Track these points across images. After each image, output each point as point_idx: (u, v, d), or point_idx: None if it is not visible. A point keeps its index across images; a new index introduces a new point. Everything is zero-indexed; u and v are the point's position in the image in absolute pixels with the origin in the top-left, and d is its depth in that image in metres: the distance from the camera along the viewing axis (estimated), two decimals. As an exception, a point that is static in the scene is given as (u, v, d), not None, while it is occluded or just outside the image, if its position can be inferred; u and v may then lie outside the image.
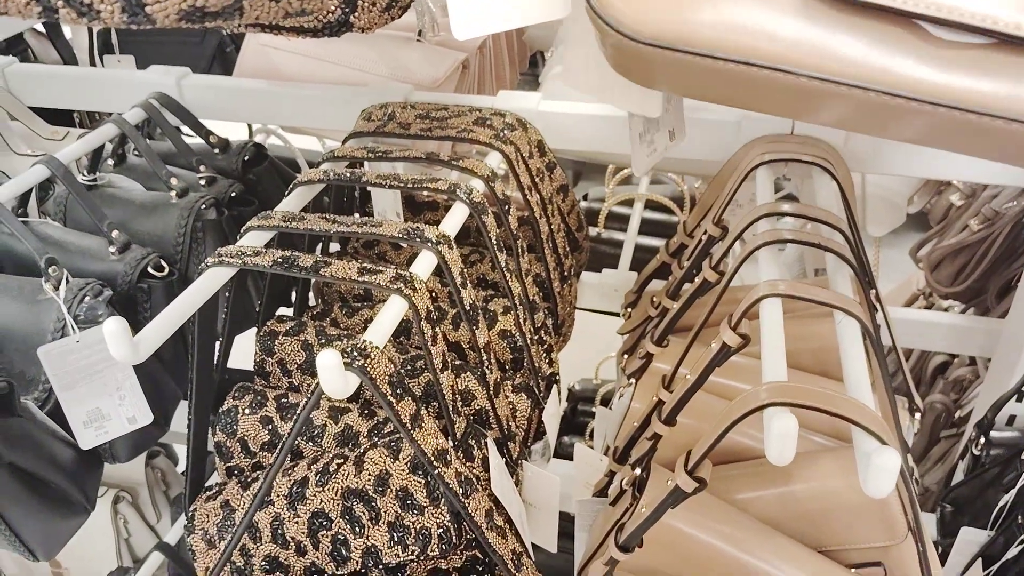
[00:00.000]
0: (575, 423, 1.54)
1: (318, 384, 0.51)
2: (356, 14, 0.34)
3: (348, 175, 0.73)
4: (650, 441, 0.67)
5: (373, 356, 0.53)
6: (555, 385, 0.84)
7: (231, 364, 0.84)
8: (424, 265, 0.63)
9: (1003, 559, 0.84)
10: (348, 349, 0.52)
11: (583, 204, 1.41)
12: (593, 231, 1.36)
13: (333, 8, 0.31)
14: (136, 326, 0.82)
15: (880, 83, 0.41)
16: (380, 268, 0.61)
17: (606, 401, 1.52)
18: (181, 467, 1.29)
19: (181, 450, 1.28)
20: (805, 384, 0.50)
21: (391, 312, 0.58)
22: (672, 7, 0.39)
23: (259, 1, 0.29)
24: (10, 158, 1.00)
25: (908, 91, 0.41)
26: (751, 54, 0.42)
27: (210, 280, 0.61)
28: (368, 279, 0.60)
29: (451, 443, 0.63)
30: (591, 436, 1.47)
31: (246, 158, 0.97)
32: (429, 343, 0.61)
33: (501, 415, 0.71)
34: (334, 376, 0.50)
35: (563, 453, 1.42)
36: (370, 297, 0.89)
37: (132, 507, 1.16)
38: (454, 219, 0.70)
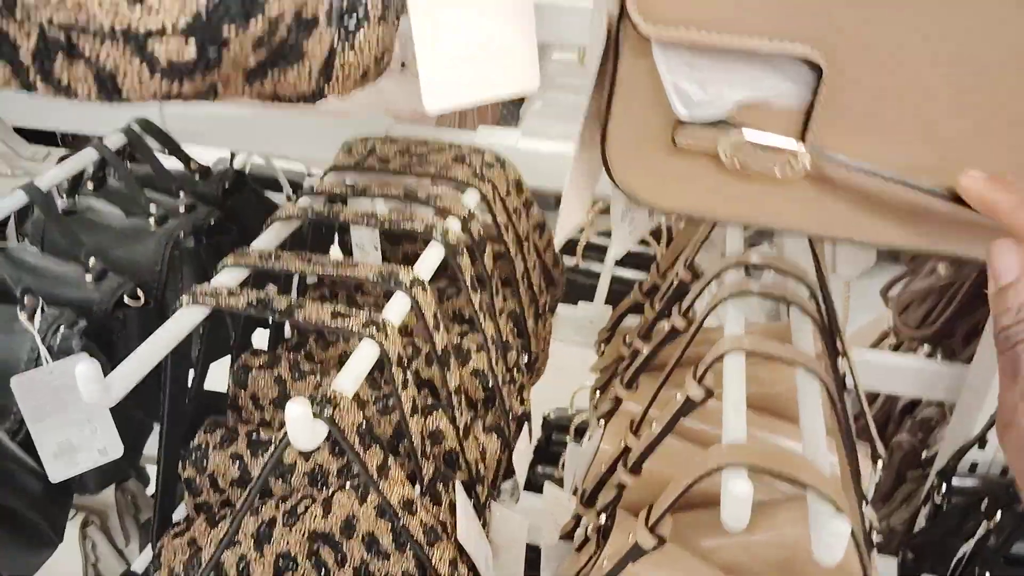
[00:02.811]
0: (549, 452, 1.55)
1: (285, 435, 0.51)
2: (331, 85, 0.35)
3: (326, 212, 0.74)
4: (615, 489, 0.68)
5: (342, 406, 0.54)
6: (526, 423, 0.85)
7: (209, 386, 0.84)
8: (397, 309, 0.64)
9: (961, 607, 0.86)
10: (317, 398, 0.53)
11: (562, 234, 1.42)
12: (571, 261, 1.37)
13: (306, 89, 0.32)
14: (111, 354, 0.83)
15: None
16: (352, 313, 0.62)
17: (581, 431, 1.53)
18: (152, 489, 1.28)
19: (153, 470, 1.28)
20: (762, 446, 0.51)
21: (362, 358, 0.58)
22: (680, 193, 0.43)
23: (232, 88, 0.30)
24: (-8, 180, 1.01)
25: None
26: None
27: (183, 320, 0.61)
28: (340, 324, 0.61)
29: (419, 488, 0.64)
30: (564, 467, 1.48)
31: (226, 185, 0.97)
32: (400, 388, 0.61)
33: (470, 458, 0.72)
34: (302, 427, 0.51)
35: (536, 484, 1.42)
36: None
37: (101, 531, 1.16)
38: (429, 260, 0.71)
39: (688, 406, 0.62)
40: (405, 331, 0.67)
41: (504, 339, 0.83)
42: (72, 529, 1.15)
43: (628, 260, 1.36)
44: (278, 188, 1.19)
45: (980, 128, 0.37)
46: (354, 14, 0.34)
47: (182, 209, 0.90)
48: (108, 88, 0.29)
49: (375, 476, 0.55)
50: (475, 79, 0.37)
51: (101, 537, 1.18)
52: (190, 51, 0.28)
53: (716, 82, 0.38)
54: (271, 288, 0.68)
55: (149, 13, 0.28)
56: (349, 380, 0.56)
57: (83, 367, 0.52)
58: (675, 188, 0.43)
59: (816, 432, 0.56)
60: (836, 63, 0.36)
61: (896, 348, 1.46)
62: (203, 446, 0.74)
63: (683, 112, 0.39)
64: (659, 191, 0.43)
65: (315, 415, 0.52)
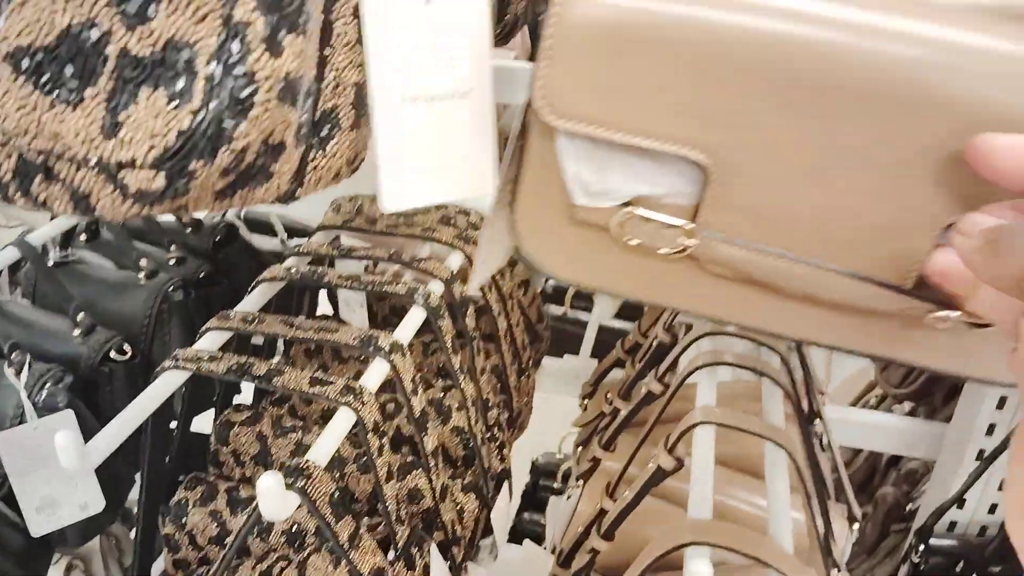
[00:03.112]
0: (536, 498, 1.55)
1: (256, 507, 0.52)
2: (303, 188, 0.36)
3: (312, 274, 0.76)
4: (589, 554, 0.69)
5: (315, 477, 0.55)
6: (506, 481, 0.86)
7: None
8: (375, 376, 0.65)
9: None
10: (291, 469, 0.54)
11: (551, 282, 1.44)
12: (559, 310, 1.39)
13: (276, 199, 0.34)
14: (97, 408, 0.84)
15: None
16: (330, 380, 0.63)
17: (568, 477, 1.53)
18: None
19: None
20: (725, 524, 0.52)
21: (337, 428, 0.60)
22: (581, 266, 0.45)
23: (201, 206, 0.32)
24: (-16, 229, 1.02)
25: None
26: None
27: (164, 385, 0.63)
28: (318, 390, 0.62)
29: (393, 552, 0.64)
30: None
31: (217, 238, 0.99)
32: (375, 455, 0.62)
33: (447, 519, 0.73)
34: (273, 498, 0.52)
35: (523, 531, 1.42)
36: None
37: (85, 575, 1.16)
38: (410, 324, 0.73)
39: (659, 475, 0.63)
40: (388, 385, 0.68)
41: (485, 398, 0.84)
42: (56, 573, 1.15)
43: (617, 310, 1.37)
44: (272, 233, 1.20)
45: (857, 223, 0.39)
46: (326, 125, 0.36)
47: (172, 262, 0.92)
48: (83, 208, 0.31)
49: (346, 546, 0.56)
50: (433, 184, 0.38)
51: (84, 582, 1.18)
52: (159, 182, 0.29)
53: (613, 175, 0.41)
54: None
55: (121, 146, 0.29)
56: (323, 450, 0.57)
57: (62, 437, 0.53)
58: (577, 262, 0.44)
59: (781, 505, 0.58)
60: (722, 166, 0.39)
61: (882, 400, 1.46)
62: (183, 503, 0.75)
63: (581, 199, 0.42)
64: (561, 262, 0.45)
65: (287, 486, 0.53)
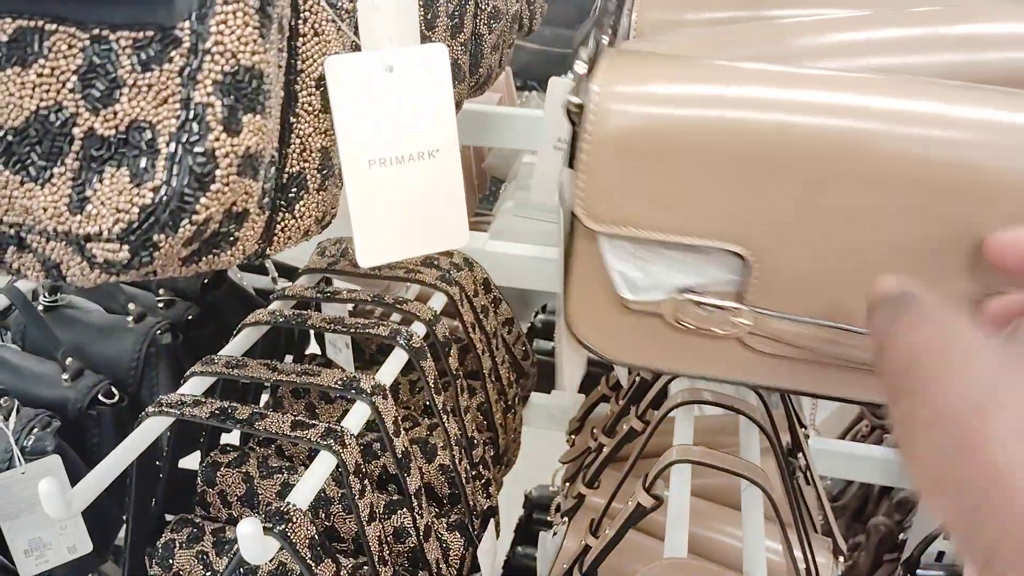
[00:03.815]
0: (530, 532, 1.55)
1: (237, 551, 0.53)
2: (272, 247, 0.38)
3: (296, 318, 0.77)
4: (571, 592, 0.69)
5: (296, 520, 0.56)
6: (493, 518, 0.87)
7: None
8: (356, 419, 0.66)
9: None
10: (271, 513, 0.55)
11: (540, 316, 1.45)
12: (548, 345, 1.40)
13: (240, 260, 0.35)
14: (85, 451, 0.85)
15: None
16: (312, 423, 0.64)
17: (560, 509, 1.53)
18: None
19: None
20: (698, 563, 0.53)
21: (319, 471, 0.60)
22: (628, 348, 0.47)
23: (168, 272, 0.33)
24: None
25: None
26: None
27: (147, 430, 0.64)
28: (300, 434, 0.63)
29: (375, 593, 0.65)
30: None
31: (206, 281, 1.00)
32: (356, 497, 0.63)
33: (431, 558, 0.74)
34: (254, 545, 0.52)
35: (518, 565, 1.42)
36: (316, 416, 0.92)
37: (75, 616, 1.16)
38: (392, 366, 0.74)
39: (638, 514, 0.64)
40: (375, 423, 0.69)
41: (470, 436, 0.85)
42: (47, 615, 1.15)
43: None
44: (264, 272, 1.22)
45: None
46: (293, 187, 0.37)
47: (160, 305, 0.93)
48: (53, 276, 0.32)
49: (327, 590, 0.57)
50: (406, 239, 0.40)
51: (76, 622, 1.18)
52: (123, 254, 0.31)
53: (657, 269, 0.43)
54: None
55: (87, 221, 0.31)
56: (303, 495, 0.58)
57: (46, 485, 0.54)
58: (629, 345, 0.47)
59: (755, 543, 0.58)
60: (760, 255, 0.41)
61: (873, 430, 1.47)
62: (170, 544, 0.75)
63: (628, 295, 0.44)
64: (615, 347, 0.48)
65: (267, 531, 0.54)
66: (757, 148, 0.38)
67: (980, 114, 0.37)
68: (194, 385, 0.69)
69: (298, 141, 0.37)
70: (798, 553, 0.67)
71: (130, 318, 0.89)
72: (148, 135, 0.30)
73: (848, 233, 0.39)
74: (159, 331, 0.89)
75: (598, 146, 0.40)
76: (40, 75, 0.31)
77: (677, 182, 0.40)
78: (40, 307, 0.91)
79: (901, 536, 1.39)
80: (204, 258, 0.34)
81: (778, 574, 0.63)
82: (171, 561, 0.75)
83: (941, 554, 1.02)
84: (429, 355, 0.77)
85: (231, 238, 0.34)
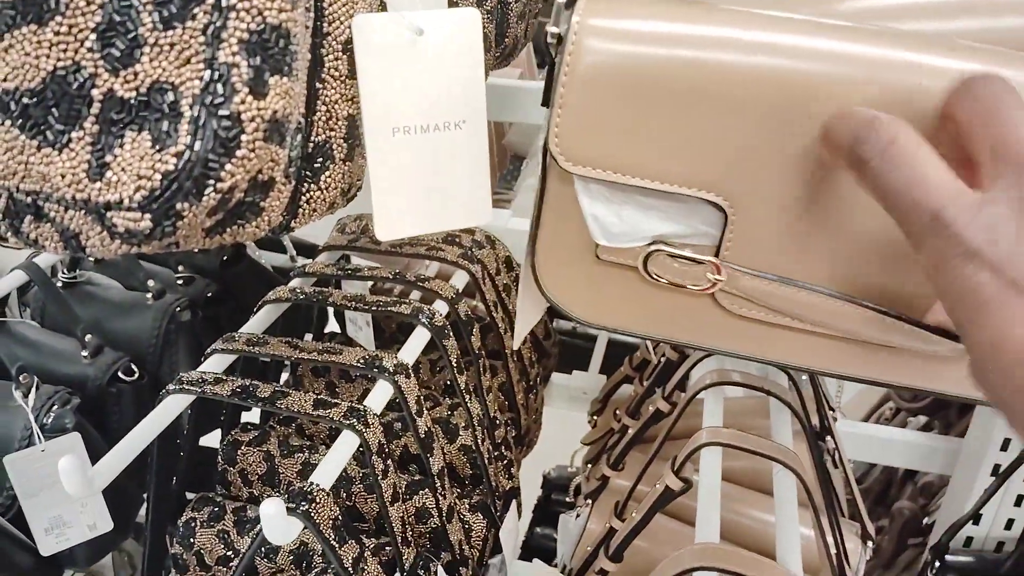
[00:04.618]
0: (549, 512, 1.54)
1: (260, 531, 0.52)
2: (297, 220, 0.36)
3: (316, 295, 0.76)
4: (598, 575, 0.68)
5: (319, 500, 0.55)
6: (515, 499, 0.86)
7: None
8: (379, 398, 0.65)
9: None
10: (294, 493, 0.54)
11: (561, 296, 1.43)
12: (568, 325, 1.38)
13: (268, 232, 0.34)
14: (105, 429, 0.85)
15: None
16: (335, 401, 0.63)
17: (580, 490, 1.52)
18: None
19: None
20: (731, 548, 0.51)
21: (341, 451, 0.59)
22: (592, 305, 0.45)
23: (191, 243, 0.32)
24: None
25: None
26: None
27: (168, 408, 0.63)
28: (322, 412, 0.62)
29: (400, 574, 0.64)
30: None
31: (225, 258, 0.99)
32: (380, 477, 0.62)
33: (454, 539, 0.73)
34: (277, 524, 0.51)
35: (535, 546, 1.41)
36: (337, 394, 0.91)
37: (96, 591, 1.16)
38: (414, 344, 0.72)
39: (666, 497, 0.62)
40: (396, 403, 0.68)
41: (492, 416, 0.84)
42: (68, 590, 1.16)
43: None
44: (281, 249, 1.21)
45: (873, 254, 0.39)
46: (319, 157, 0.35)
47: (180, 282, 0.92)
48: (73, 247, 0.31)
49: (351, 571, 0.56)
50: (427, 213, 0.38)
51: (97, 598, 1.19)
52: (145, 223, 0.29)
53: (633, 216, 0.41)
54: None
55: (107, 188, 0.29)
56: (327, 475, 0.57)
57: (66, 463, 0.53)
58: (597, 302, 0.45)
59: (788, 528, 0.57)
60: (738, 206, 0.39)
61: (897, 413, 1.45)
62: (191, 523, 0.75)
63: (602, 240, 0.42)
64: (583, 304, 0.45)
65: (290, 511, 0.53)
66: (733, 90, 0.37)
67: (947, 63, 0.36)
68: (215, 362, 0.68)
69: (324, 108, 0.35)
70: (829, 538, 0.65)
71: (149, 295, 0.88)
72: (170, 97, 0.29)
73: (821, 183, 0.38)
74: (178, 308, 0.88)
75: (574, 80, 0.38)
76: (57, 33, 0.29)
77: (654, 123, 0.38)
78: (59, 283, 0.90)
79: (926, 521, 1.37)
80: (228, 229, 0.32)
81: (809, 559, 0.62)
82: (192, 540, 0.74)
83: (969, 540, 1.00)
84: (451, 334, 0.76)
85: (256, 208, 0.32)
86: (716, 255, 0.41)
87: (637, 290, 0.44)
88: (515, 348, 0.55)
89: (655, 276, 0.42)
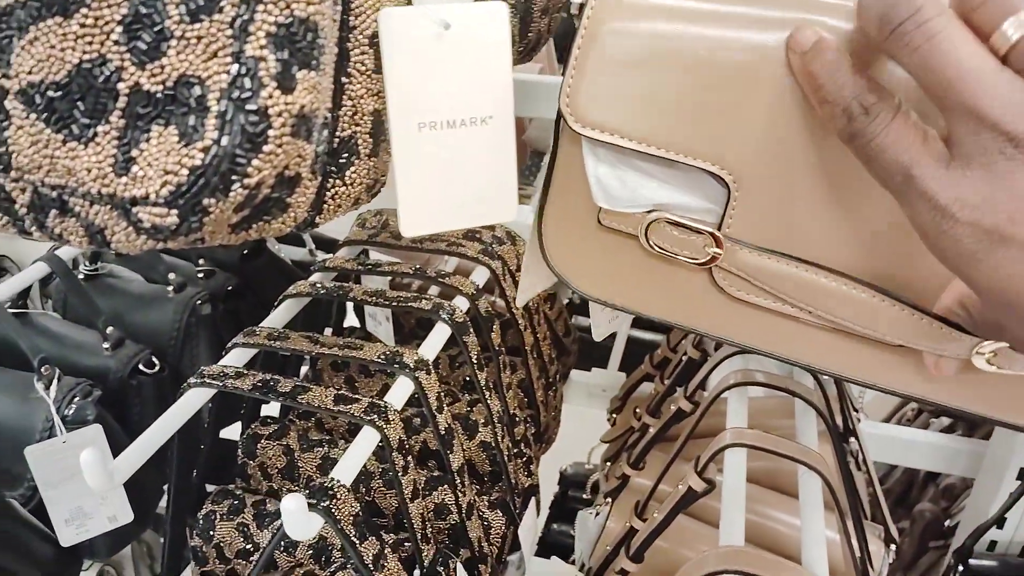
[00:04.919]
0: (565, 508, 1.54)
1: (280, 527, 0.52)
2: (321, 215, 0.36)
3: (336, 290, 0.76)
4: (618, 575, 0.68)
5: (340, 497, 0.55)
6: (534, 497, 0.85)
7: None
8: (400, 394, 0.65)
9: None
10: (315, 489, 0.54)
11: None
12: (587, 322, 1.37)
13: (290, 228, 0.33)
14: (126, 421, 0.85)
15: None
16: (356, 397, 0.63)
17: (597, 488, 1.51)
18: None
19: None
20: (755, 552, 0.51)
21: (362, 447, 0.59)
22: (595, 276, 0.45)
23: (216, 239, 0.31)
24: (16, 241, 1.04)
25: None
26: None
27: (189, 402, 0.63)
28: (343, 408, 0.62)
29: (419, 571, 0.64)
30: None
31: (245, 251, 0.99)
32: (400, 474, 0.62)
33: (473, 537, 0.72)
34: (298, 520, 0.51)
35: (551, 542, 1.41)
36: (356, 389, 0.90)
37: (116, 581, 1.17)
38: (435, 340, 0.72)
39: (689, 498, 0.62)
40: (415, 398, 0.67)
41: (512, 413, 0.83)
42: (88, 579, 1.16)
43: (644, 321, 1.35)
44: (301, 244, 1.21)
45: (880, 239, 0.38)
46: (344, 153, 0.35)
47: (200, 275, 0.92)
48: (98, 242, 0.31)
49: (371, 568, 0.56)
50: (453, 210, 0.38)
51: (116, 588, 1.19)
52: (172, 219, 0.29)
53: (636, 182, 0.41)
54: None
55: (133, 183, 0.29)
56: (348, 471, 0.56)
57: (87, 456, 0.53)
58: (601, 274, 0.45)
59: (815, 533, 0.56)
60: (742, 180, 0.39)
61: (919, 414, 1.43)
62: (211, 516, 0.75)
63: (603, 203, 0.42)
64: (586, 275, 0.45)
65: (311, 507, 0.53)
66: (746, 64, 0.37)
67: None
68: (236, 356, 0.68)
69: (350, 103, 0.35)
70: (854, 542, 0.64)
71: (170, 288, 0.89)
72: (197, 91, 0.28)
73: (831, 164, 0.37)
74: (199, 301, 0.88)
75: (590, 44, 0.39)
76: (83, 25, 0.29)
77: (665, 92, 0.39)
78: (81, 275, 0.91)
79: (947, 523, 1.36)
80: (254, 225, 0.32)
81: (833, 562, 0.61)
82: (212, 533, 0.74)
83: (993, 544, 0.99)
84: (472, 330, 0.75)
85: (282, 204, 0.32)
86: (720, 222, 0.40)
87: (639, 263, 0.44)
88: (519, 306, 0.55)
89: (655, 246, 0.42)
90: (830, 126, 0.34)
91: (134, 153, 0.29)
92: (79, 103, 0.29)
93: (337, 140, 0.35)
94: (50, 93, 0.29)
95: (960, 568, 0.93)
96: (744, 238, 0.40)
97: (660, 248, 0.42)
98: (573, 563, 1.30)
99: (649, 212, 0.42)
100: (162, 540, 0.77)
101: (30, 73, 0.29)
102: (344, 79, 0.34)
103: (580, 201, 0.43)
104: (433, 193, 0.37)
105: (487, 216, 0.38)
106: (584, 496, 1.59)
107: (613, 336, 1.30)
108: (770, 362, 0.76)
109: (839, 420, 0.77)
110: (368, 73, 0.35)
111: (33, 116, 0.29)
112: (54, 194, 0.30)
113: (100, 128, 0.29)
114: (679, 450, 0.73)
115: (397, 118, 0.35)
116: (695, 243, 0.41)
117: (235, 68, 0.28)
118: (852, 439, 0.80)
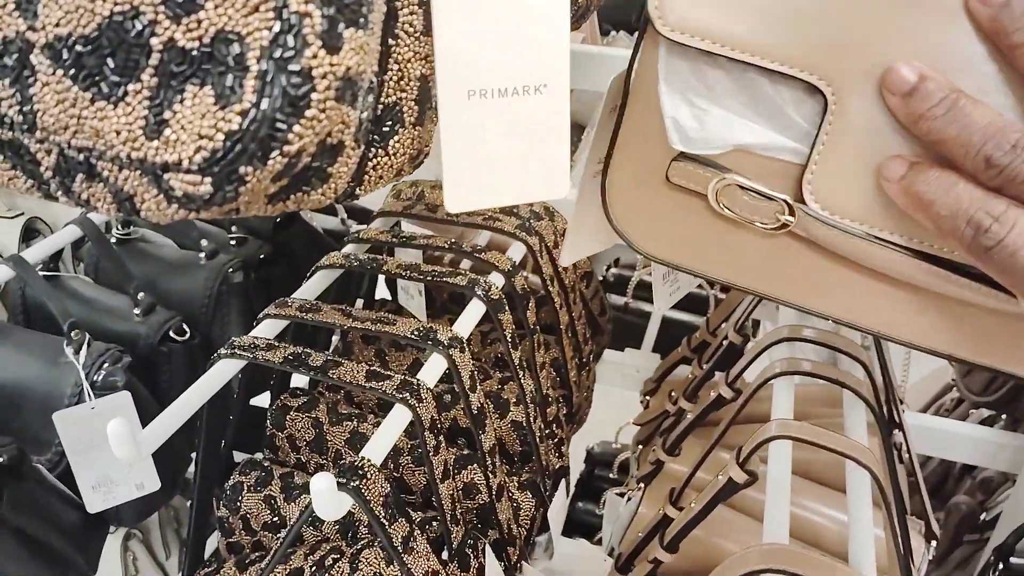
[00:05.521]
0: (591, 488, 1.53)
1: (309, 504, 0.51)
2: (362, 187, 0.34)
3: (370, 262, 0.74)
4: (651, 564, 0.66)
5: (370, 476, 0.53)
6: (564, 478, 0.84)
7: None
8: (433, 371, 0.63)
9: None
10: (345, 468, 0.52)
11: (613, 271, 1.40)
12: (620, 300, 1.35)
13: (330, 200, 0.31)
14: (156, 388, 0.84)
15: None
16: (388, 373, 0.61)
17: (624, 468, 1.50)
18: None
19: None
20: (799, 551, 0.48)
21: (393, 425, 0.58)
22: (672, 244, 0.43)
23: (252, 210, 0.29)
24: (48, 203, 1.03)
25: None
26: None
27: (219, 373, 0.61)
28: (375, 384, 0.60)
29: (447, 552, 0.62)
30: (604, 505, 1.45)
31: (278, 219, 0.98)
32: (431, 454, 0.60)
33: (502, 518, 0.71)
34: (327, 499, 0.50)
35: (577, 521, 1.40)
36: (386, 363, 0.89)
37: (142, 544, 1.18)
38: (469, 317, 0.70)
39: (729, 489, 0.59)
40: (446, 375, 0.66)
41: (544, 393, 0.81)
42: (115, 542, 1.17)
43: (681, 302, 1.33)
44: (332, 212, 1.19)
45: None
46: (388, 121, 0.33)
47: (233, 242, 0.91)
48: (127, 209, 0.29)
49: (400, 549, 0.54)
50: (502, 184, 0.36)
51: (142, 550, 1.20)
52: (205, 187, 0.27)
53: (714, 121, 0.39)
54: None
55: (165, 147, 0.27)
56: (378, 450, 0.55)
57: (115, 426, 0.52)
58: (666, 235, 0.43)
59: (864, 531, 0.54)
60: (839, 94, 0.36)
61: (959, 403, 1.40)
62: (238, 487, 0.74)
63: (678, 145, 0.40)
64: (650, 236, 0.44)
65: (340, 486, 0.51)
66: None
67: None
68: (267, 328, 0.67)
69: (396, 67, 0.32)
70: (899, 540, 0.62)
71: (202, 254, 0.87)
72: (236, 49, 0.26)
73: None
74: (231, 269, 0.87)
75: None
76: (115, -26, 0.27)
77: None
78: (113, 239, 0.90)
79: (984, 517, 1.32)
80: (292, 196, 0.30)
81: (878, 559, 0.58)
82: (239, 504, 0.74)
83: (1036, 542, 0.95)
84: (507, 308, 0.73)
85: (323, 174, 0.30)
86: (800, 176, 0.38)
87: (705, 225, 0.42)
88: (565, 265, 0.54)
89: (725, 207, 0.40)
90: (951, 243, 0.33)
91: (167, 115, 0.27)
92: (109, 59, 0.27)
93: (381, 107, 0.32)
94: (78, 47, 0.27)
95: (1000, 566, 0.90)
96: (821, 199, 0.38)
97: (730, 210, 0.40)
98: (598, 543, 1.28)
99: (722, 166, 0.40)
100: (189, 505, 0.77)
101: (58, 25, 0.27)
102: (391, 40, 0.32)
103: (648, 156, 0.41)
104: (481, 166, 0.35)
105: (537, 192, 0.36)
106: (611, 476, 1.58)
107: (647, 316, 1.28)
108: (814, 351, 0.73)
109: (885, 412, 0.74)
110: (416, 35, 0.33)
111: (60, 72, 0.27)
112: (81, 157, 0.28)
113: (131, 87, 0.27)
114: (719, 438, 0.71)
115: (446, 84, 0.33)
116: (766, 208, 0.39)
117: (277, 25, 0.26)
118: (896, 431, 0.78)
